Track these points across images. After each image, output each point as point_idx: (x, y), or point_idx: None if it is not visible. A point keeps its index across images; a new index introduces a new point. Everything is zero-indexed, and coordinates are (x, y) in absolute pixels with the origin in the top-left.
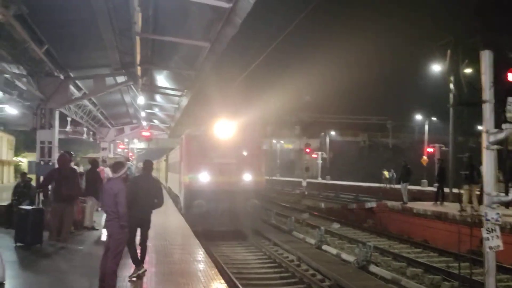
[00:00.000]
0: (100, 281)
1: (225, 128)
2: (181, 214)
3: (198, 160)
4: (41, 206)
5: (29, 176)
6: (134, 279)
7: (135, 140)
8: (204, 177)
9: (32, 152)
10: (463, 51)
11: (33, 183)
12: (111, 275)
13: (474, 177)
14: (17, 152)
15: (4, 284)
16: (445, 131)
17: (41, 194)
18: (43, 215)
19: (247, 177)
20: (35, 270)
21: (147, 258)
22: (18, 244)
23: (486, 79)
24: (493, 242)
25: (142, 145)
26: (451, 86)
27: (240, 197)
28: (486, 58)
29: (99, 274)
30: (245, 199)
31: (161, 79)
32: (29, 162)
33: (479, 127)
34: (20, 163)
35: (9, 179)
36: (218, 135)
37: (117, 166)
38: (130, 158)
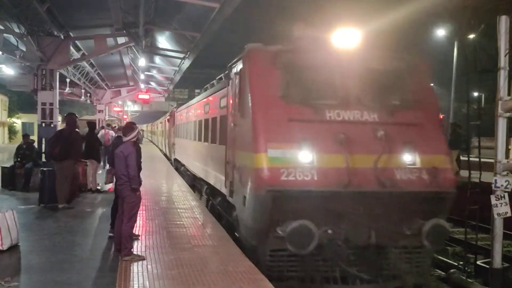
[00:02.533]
0: (116, 244)
1: (352, 38)
2: (240, 249)
3: (289, 114)
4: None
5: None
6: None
7: (129, 103)
8: (305, 157)
9: (26, 114)
10: (480, 16)
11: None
12: (127, 238)
13: (457, 143)
14: (11, 113)
15: (18, 245)
16: (440, 97)
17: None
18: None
19: (414, 159)
20: (46, 232)
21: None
22: (41, 205)
23: (502, 46)
24: (501, 209)
25: (136, 107)
26: (458, 52)
27: (403, 212)
28: (503, 24)
29: (115, 237)
30: (413, 216)
31: (163, 41)
32: (23, 124)
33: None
34: (14, 124)
35: (4, 140)
36: (335, 53)
37: (127, 129)
38: (124, 121)
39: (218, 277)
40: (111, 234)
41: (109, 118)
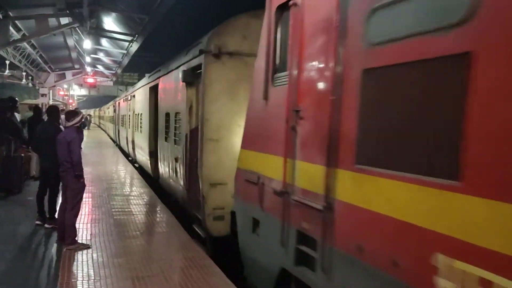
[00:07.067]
0: (59, 232)
1: None
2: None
3: None
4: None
5: None
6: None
7: (75, 87)
8: None
9: None
10: None
11: None
12: (71, 226)
13: None
14: None
15: None
16: None
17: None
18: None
19: None
20: None
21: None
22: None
23: None
24: None
25: (83, 91)
26: None
27: None
28: None
29: (58, 225)
30: None
31: (110, 23)
32: None
33: None
34: None
35: None
36: None
37: (70, 114)
38: (70, 105)
39: (167, 264)
40: (38, 222)
41: (54, 103)
